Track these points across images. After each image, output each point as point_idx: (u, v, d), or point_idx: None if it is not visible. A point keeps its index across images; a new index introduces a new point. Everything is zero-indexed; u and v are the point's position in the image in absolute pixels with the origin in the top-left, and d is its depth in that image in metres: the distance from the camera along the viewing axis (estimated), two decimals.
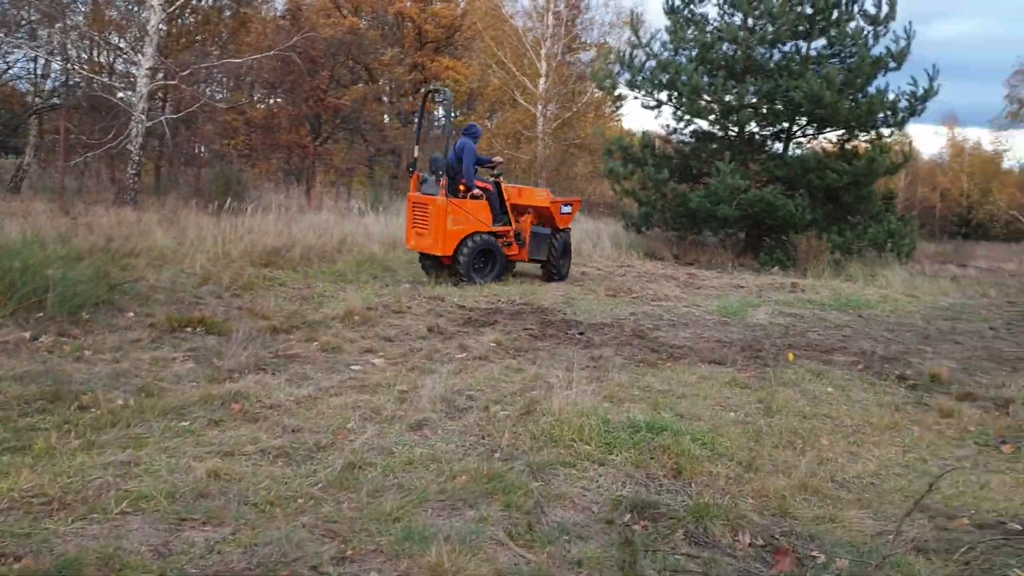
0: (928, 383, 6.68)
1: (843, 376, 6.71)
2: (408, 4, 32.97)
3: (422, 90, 14.29)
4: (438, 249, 10.47)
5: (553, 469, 4.08)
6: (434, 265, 10.91)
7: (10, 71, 20.61)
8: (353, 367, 6.02)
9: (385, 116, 34.22)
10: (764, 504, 3.88)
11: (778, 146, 17.56)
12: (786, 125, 17.02)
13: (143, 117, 15.50)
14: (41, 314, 6.40)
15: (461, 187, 10.69)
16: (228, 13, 25.90)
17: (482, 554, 3.12)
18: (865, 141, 17.35)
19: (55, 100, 19.26)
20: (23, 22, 18.67)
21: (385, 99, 35.39)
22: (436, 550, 3.03)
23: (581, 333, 7.89)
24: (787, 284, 13.12)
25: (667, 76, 16.52)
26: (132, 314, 7.20)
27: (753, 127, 17.26)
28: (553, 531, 3.41)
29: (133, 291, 8.06)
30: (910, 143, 23.16)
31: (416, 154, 11.76)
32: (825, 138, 17.70)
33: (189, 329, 6.84)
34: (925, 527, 3.71)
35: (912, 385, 6.59)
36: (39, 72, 20.50)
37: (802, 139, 17.58)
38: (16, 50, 18.25)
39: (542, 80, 28.12)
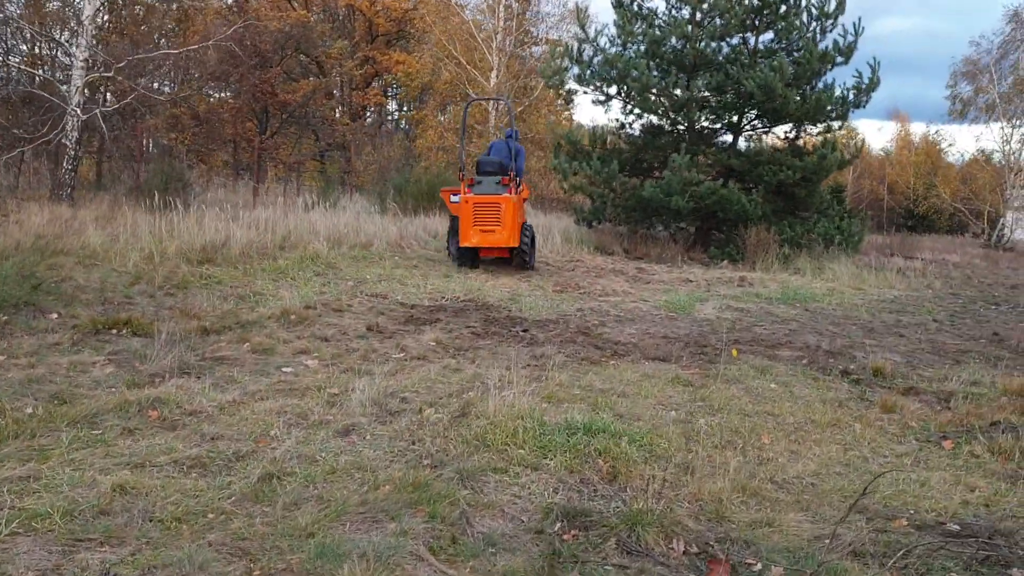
0: (871, 377, 6.65)
1: (787, 372, 6.64)
2: None
3: (467, 100, 15.27)
4: (513, 241, 11.61)
5: (484, 476, 3.91)
6: (471, 257, 11.90)
7: None
8: (284, 369, 5.80)
9: (336, 110, 33.79)
10: (700, 508, 3.75)
11: (727, 139, 17.60)
12: (736, 119, 17.05)
13: (78, 110, 14.96)
14: None
15: (508, 183, 11.78)
16: (173, 4, 25.28)
17: (400, 571, 2.94)
18: (814, 135, 17.48)
19: None
20: None
21: (336, 93, 34.95)
22: (350, 568, 2.85)
23: (525, 330, 7.74)
24: (736, 278, 13.12)
25: (616, 71, 16.43)
26: (56, 316, 6.88)
27: (703, 121, 17.27)
28: (479, 543, 3.24)
29: (58, 291, 7.71)
30: (863, 139, 23.44)
31: (464, 158, 12.74)
32: (773, 133, 17.81)
33: (114, 331, 6.54)
34: (863, 530, 3.61)
35: (855, 380, 6.56)
36: None
37: (751, 132, 17.63)
38: None
39: (493, 74, 27.91)
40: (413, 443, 4.34)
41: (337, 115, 32.55)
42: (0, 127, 16.29)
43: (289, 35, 25.95)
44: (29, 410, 4.35)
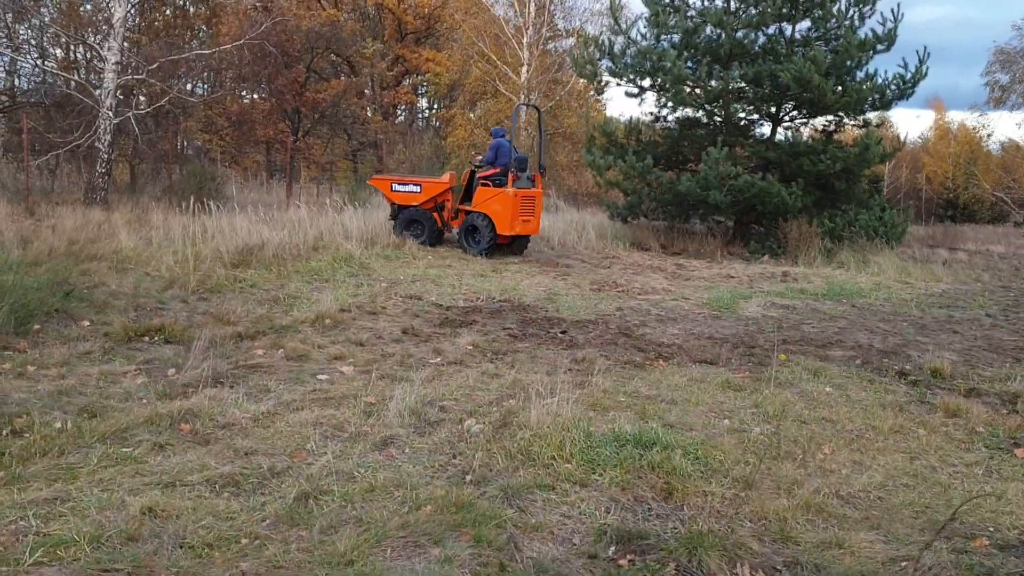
0: (930, 378, 6.34)
1: (841, 373, 6.35)
2: None
3: (521, 104, 17.00)
4: (537, 230, 13.41)
5: (530, 494, 3.69)
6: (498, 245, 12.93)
7: None
8: (319, 377, 5.62)
9: (367, 109, 33.72)
10: (764, 528, 3.51)
11: (765, 131, 17.21)
12: (773, 110, 16.66)
13: (111, 113, 14.97)
14: None
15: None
16: (201, 7, 25.36)
17: None
18: (852, 126, 17.04)
19: (22, 98, 18.72)
20: None
21: (367, 92, 34.89)
22: None
23: (563, 332, 7.50)
24: (778, 273, 12.78)
25: (649, 63, 16.12)
26: (87, 323, 6.77)
27: (740, 112, 16.89)
28: (528, 570, 3.02)
29: (91, 298, 7.61)
30: (906, 132, 22.88)
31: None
32: (812, 124, 17.37)
33: (146, 338, 6.41)
34: (942, 551, 3.34)
35: (913, 381, 6.25)
36: (6, 69, 19.94)
37: (789, 124, 17.22)
38: None
39: (524, 69, 27.65)
40: (454, 457, 4.13)
41: (368, 114, 32.47)
42: (34, 131, 16.35)
43: (319, 34, 25.87)
44: (58, 424, 4.21)
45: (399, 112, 37.17)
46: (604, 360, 6.35)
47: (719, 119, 16.81)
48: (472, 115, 31.75)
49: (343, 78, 29.95)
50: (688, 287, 10.91)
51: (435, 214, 13.14)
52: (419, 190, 13.12)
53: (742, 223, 16.96)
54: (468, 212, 12.89)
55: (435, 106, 40.11)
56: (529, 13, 27.57)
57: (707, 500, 3.76)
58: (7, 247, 9.29)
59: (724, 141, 15.28)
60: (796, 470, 4.21)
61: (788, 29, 16.34)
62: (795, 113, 16.86)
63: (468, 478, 3.83)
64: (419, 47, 33.51)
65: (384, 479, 3.79)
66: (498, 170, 12.78)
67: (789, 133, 16.78)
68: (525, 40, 27.63)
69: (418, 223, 13.00)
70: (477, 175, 13.08)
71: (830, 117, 16.67)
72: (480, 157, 13.67)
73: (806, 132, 17.34)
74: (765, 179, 14.98)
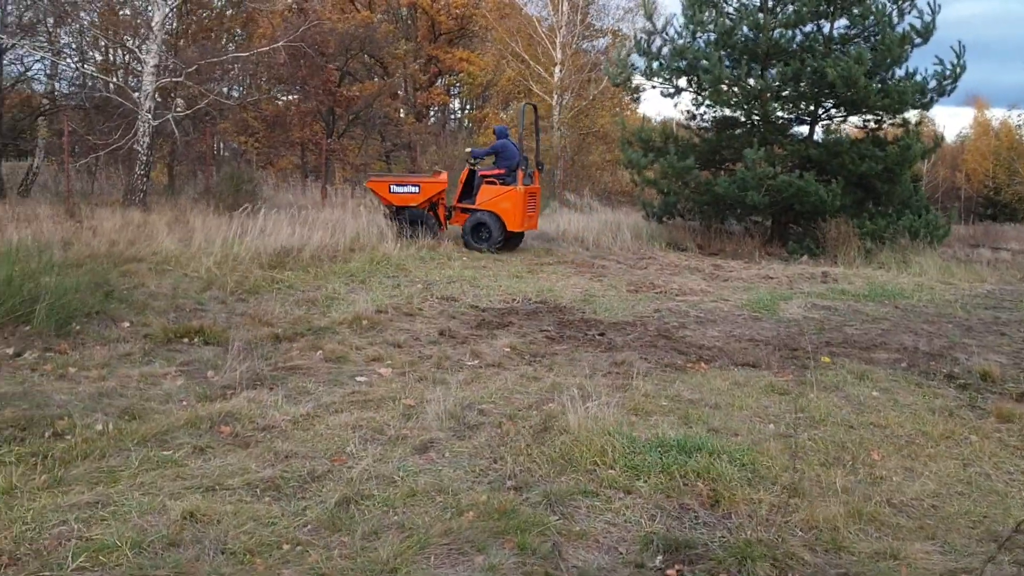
0: (979, 382, 6.17)
1: (887, 377, 6.20)
2: None
3: (526, 104, 16.50)
4: (536, 226, 13.99)
5: (573, 500, 3.63)
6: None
7: (28, 73, 20.40)
8: (358, 379, 5.60)
9: (401, 110, 33.82)
10: (815, 537, 3.41)
11: (803, 130, 16.95)
12: (812, 108, 16.40)
13: (149, 116, 15.14)
14: (29, 327, 6.01)
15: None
16: (238, 10, 25.57)
17: None
18: (891, 124, 16.72)
19: (62, 101, 19.01)
20: (39, 24, 18.45)
21: (400, 93, 35.00)
22: None
23: (601, 334, 7.42)
24: (818, 274, 12.56)
25: (685, 62, 15.95)
26: (128, 324, 6.81)
27: (778, 111, 16.65)
28: None
29: (130, 299, 7.68)
30: (944, 128, 22.45)
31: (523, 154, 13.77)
32: (851, 123, 17.09)
33: (186, 340, 6.44)
34: (1003, 563, 3.22)
35: (962, 385, 6.09)
36: (47, 72, 20.24)
37: (828, 122, 16.93)
38: (33, 52, 17.99)
39: (557, 69, 27.56)
40: (494, 461, 4.08)
41: (402, 115, 32.57)
42: (75, 134, 16.58)
43: (354, 36, 26.00)
44: (99, 427, 4.22)
45: (432, 113, 37.27)
46: (644, 363, 6.26)
47: (757, 118, 16.59)
48: (504, 115, 31.71)
49: (376, 80, 30.09)
50: (726, 288, 10.77)
51: (431, 212, 13.27)
52: (418, 190, 13.15)
53: (780, 223, 16.72)
54: (472, 210, 13.08)
55: (468, 107, 40.15)
56: (562, 12, 27.47)
57: (755, 508, 3.67)
58: (49, 249, 9.40)
59: (761, 141, 15.06)
60: (845, 477, 4.10)
61: (826, 26, 16.09)
62: (834, 112, 16.59)
63: (509, 483, 3.78)
64: (452, 48, 33.57)
65: (425, 484, 3.74)
66: (503, 170, 13.10)
67: (828, 132, 16.50)
68: (558, 40, 27.55)
69: (420, 223, 13.02)
70: (478, 173, 13.35)
71: (868, 116, 16.39)
72: (469, 150, 14.16)
73: (845, 130, 17.05)
74: (803, 178, 14.74)
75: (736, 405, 5.24)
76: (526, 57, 27.73)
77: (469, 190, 13.41)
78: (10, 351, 5.55)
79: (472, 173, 13.41)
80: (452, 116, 41.11)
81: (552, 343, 7.00)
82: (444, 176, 13.59)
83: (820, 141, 16.00)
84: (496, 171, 13.23)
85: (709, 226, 16.87)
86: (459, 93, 38.61)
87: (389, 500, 3.55)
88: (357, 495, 3.58)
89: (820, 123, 16.71)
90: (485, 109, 33.38)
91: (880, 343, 7.54)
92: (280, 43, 17.46)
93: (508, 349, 6.61)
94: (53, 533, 3.05)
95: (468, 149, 14.25)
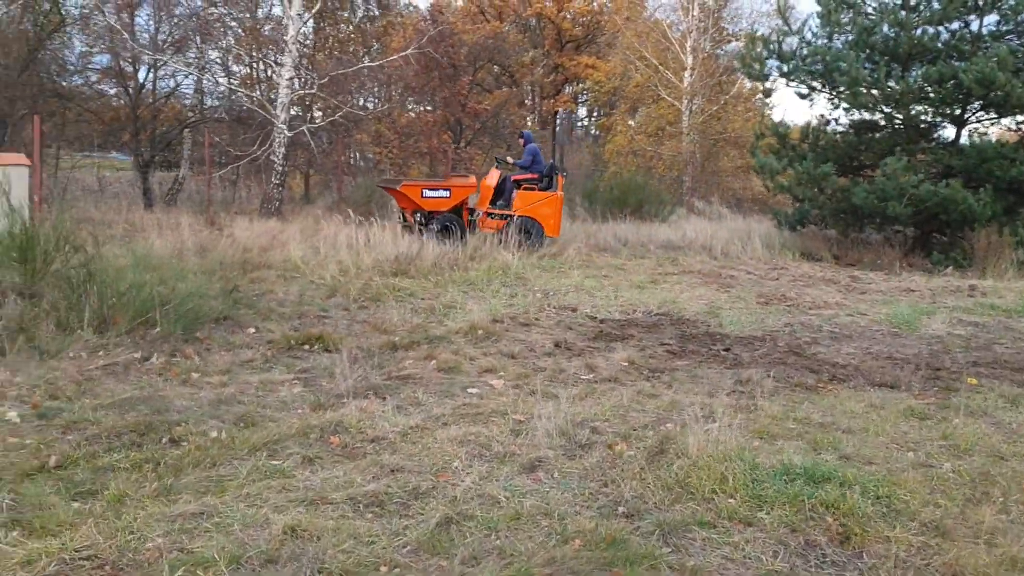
0: None
1: None
2: (547, 4, 32.60)
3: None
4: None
5: (688, 531, 3.38)
6: None
7: (178, 88, 21.67)
8: (469, 390, 5.50)
9: (527, 119, 33.98)
10: None
11: (948, 133, 15.87)
12: (958, 111, 15.32)
13: (284, 127, 15.70)
14: (157, 331, 6.23)
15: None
16: (372, 24, 26.27)
17: None
18: None
19: (208, 114, 20.01)
20: (188, 42, 19.53)
21: (527, 101, 35.18)
22: None
23: (727, 349, 7.07)
24: (964, 287, 11.67)
25: (822, 64, 15.22)
26: (253, 330, 6.98)
27: (921, 115, 15.64)
28: None
29: (257, 305, 7.89)
30: None
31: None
32: (1003, 124, 15.84)
33: (306, 347, 6.53)
34: None
35: None
36: (194, 87, 21.40)
37: (977, 125, 15.78)
38: (182, 69, 19.06)
39: (687, 74, 26.97)
40: (605, 485, 3.87)
41: (528, 123, 32.70)
42: (217, 145, 17.41)
43: (483, 47, 26.30)
44: (214, 434, 4.27)
45: (558, 120, 37.25)
46: (771, 381, 5.89)
47: (898, 122, 15.65)
48: (632, 122, 31.32)
49: (504, 89, 30.32)
50: (864, 301, 10.13)
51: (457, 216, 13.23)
52: (449, 195, 13.05)
53: (923, 232, 15.69)
54: (510, 216, 13.01)
55: (595, 114, 39.93)
56: (693, 16, 26.88)
57: (890, 547, 3.32)
58: (186, 255, 9.83)
59: (904, 148, 14.16)
60: (996, 516, 3.67)
61: (975, 23, 14.99)
62: (982, 114, 15.43)
63: (620, 510, 3.56)
64: (579, 55, 33.47)
65: (530, 506, 3.58)
66: (536, 175, 13.33)
67: (975, 136, 15.36)
68: (688, 44, 26.97)
69: (451, 227, 12.92)
70: (511, 179, 13.33)
71: (1021, 117, 15.15)
72: (511, 160, 14.08)
73: (994, 132, 15.85)
74: (949, 186, 13.76)
75: (871, 430, 4.83)
76: (655, 62, 27.27)
77: (499, 195, 13.36)
78: (138, 355, 5.75)
79: (506, 177, 13.37)
80: (578, 123, 40.98)
81: (673, 358, 6.71)
82: (472, 180, 13.61)
83: (964, 146, 14.91)
84: (529, 176, 13.27)
85: (846, 235, 16.03)
86: (586, 101, 38.45)
87: (492, 522, 3.41)
88: (459, 515, 3.45)
89: (966, 127, 15.60)
90: (613, 115, 33.05)
91: None
92: (409, 50, 17.77)
93: (626, 363, 6.37)
94: (156, 544, 3.05)
95: (499, 155, 14.46)
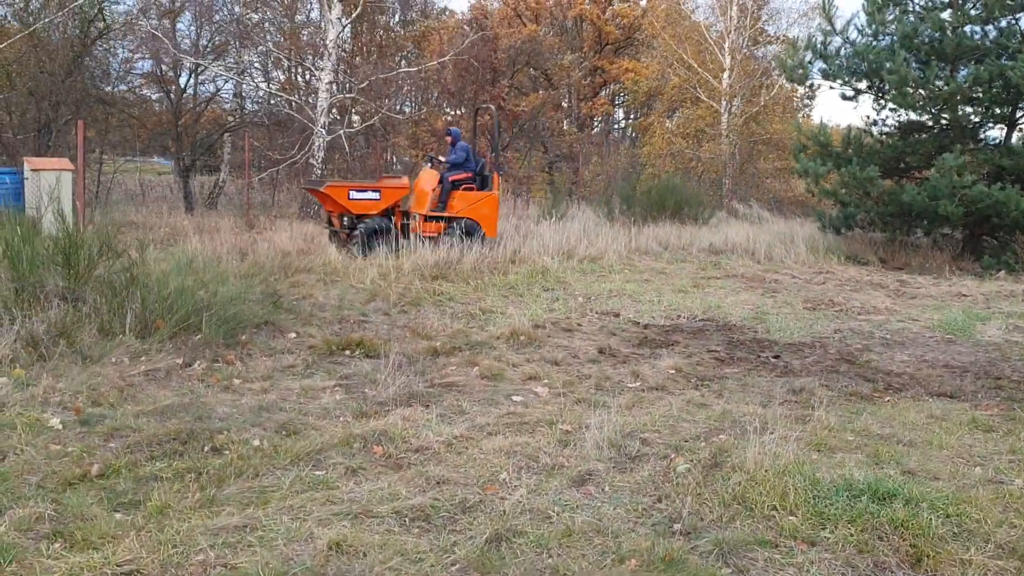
0: None
1: None
2: (587, 6, 32.43)
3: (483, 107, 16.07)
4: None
5: (749, 551, 3.22)
6: None
7: (218, 93, 21.89)
8: (514, 398, 5.38)
9: (564, 122, 33.82)
10: None
11: (994, 133, 15.45)
12: (1008, 111, 14.89)
13: (323, 131, 15.73)
14: (199, 336, 6.19)
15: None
16: (410, 28, 26.35)
17: None
18: None
19: (247, 118, 20.17)
20: (228, 46, 19.72)
21: (565, 104, 35.03)
22: None
23: (776, 356, 6.87)
24: (1019, 291, 11.32)
25: (866, 64, 14.89)
26: (293, 335, 6.92)
27: (969, 115, 15.23)
28: None
29: (298, 309, 7.85)
30: None
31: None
32: None
33: (347, 352, 6.46)
34: None
35: None
36: (234, 92, 21.59)
37: None
38: (222, 74, 19.22)
39: (726, 75, 26.63)
40: (659, 500, 3.72)
41: (565, 126, 32.55)
42: (257, 149, 17.50)
43: (520, 50, 26.22)
44: (256, 443, 4.19)
45: (595, 123, 37.06)
46: (825, 390, 5.70)
47: (945, 123, 15.26)
48: (670, 123, 31.01)
49: (541, 92, 30.21)
50: (914, 306, 9.85)
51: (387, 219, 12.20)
52: (379, 196, 12.03)
53: (973, 235, 15.28)
54: (449, 218, 12.32)
55: (632, 116, 39.64)
56: (731, 17, 26.54)
57: (966, 571, 3.14)
58: (226, 259, 9.83)
59: (960, 149, 13.78)
60: None
61: (1023, 21, 14.59)
62: None
63: (676, 527, 3.42)
64: (617, 57, 33.24)
65: (582, 522, 3.45)
66: (470, 174, 12.60)
67: None
68: (727, 45, 26.64)
69: (381, 232, 11.78)
70: (449, 179, 12.49)
71: None
72: (443, 158, 13.03)
73: None
74: (1003, 189, 13.37)
75: (934, 443, 4.63)
76: (693, 64, 26.97)
77: (443, 196, 12.54)
78: (180, 361, 5.71)
79: (443, 177, 12.55)
80: (615, 126, 40.71)
81: (721, 365, 6.53)
82: (405, 181, 12.75)
83: (1015, 147, 14.48)
84: (463, 175, 12.55)
85: (893, 238, 15.66)
86: (623, 103, 38.18)
87: (543, 539, 3.28)
88: (509, 531, 3.32)
89: (1017, 127, 15.16)
90: (650, 117, 32.76)
91: None
92: (448, 56, 17.74)
93: (673, 371, 6.21)
94: (199, 559, 2.97)
95: (441, 157, 13.13)
